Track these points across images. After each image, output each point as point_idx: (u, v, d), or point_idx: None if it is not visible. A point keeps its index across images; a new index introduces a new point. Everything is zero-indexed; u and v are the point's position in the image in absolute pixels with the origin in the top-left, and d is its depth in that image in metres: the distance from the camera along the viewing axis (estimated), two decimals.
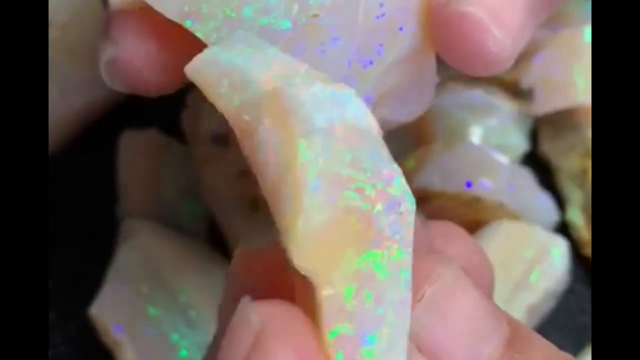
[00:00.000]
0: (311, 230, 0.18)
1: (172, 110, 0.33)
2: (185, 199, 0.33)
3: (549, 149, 0.34)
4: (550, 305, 0.32)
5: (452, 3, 0.22)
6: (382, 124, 0.24)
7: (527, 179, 0.33)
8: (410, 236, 0.19)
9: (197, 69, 0.21)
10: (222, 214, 0.32)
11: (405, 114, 0.24)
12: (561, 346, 0.32)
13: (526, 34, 0.23)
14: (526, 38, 0.23)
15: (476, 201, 0.32)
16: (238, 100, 0.20)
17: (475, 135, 0.33)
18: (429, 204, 0.32)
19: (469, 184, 0.32)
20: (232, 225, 0.32)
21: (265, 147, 0.19)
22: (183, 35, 0.22)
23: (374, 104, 0.23)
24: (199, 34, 0.21)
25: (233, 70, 0.20)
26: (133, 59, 0.22)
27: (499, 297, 0.30)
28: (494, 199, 0.32)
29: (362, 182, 0.19)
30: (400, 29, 0.23)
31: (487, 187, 0.32)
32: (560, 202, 0.34)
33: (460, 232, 0.25)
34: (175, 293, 0.30)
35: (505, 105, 0.34)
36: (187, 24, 0.21)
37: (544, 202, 0.33)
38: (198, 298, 0.30)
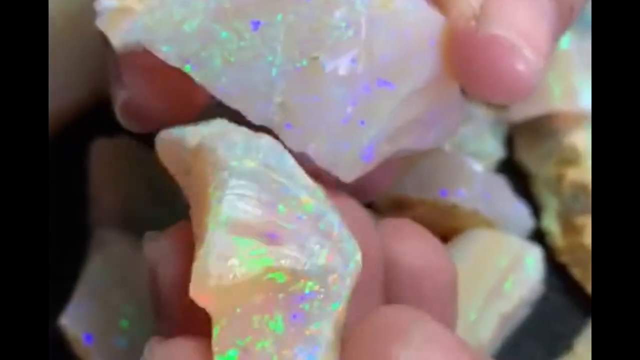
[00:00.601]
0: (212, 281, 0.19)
1: None
2: (158, 207, 0.33)
3: (525, 156, 0.34)
4: (524, 312, 0.32)
5: (480, 28, 0.22)
6: (405, 152, 0.24)
7: (502, 187, 0.33)
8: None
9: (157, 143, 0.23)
10: None
11: (430, 141, 0.24)
12: (535, 354, 0.32)
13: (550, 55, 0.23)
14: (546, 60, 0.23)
15: (452, 209, 0.32)
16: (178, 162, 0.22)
17: (451, 142, 0.33)
18: (405, 212, 0.32)
19: (443, 192, 0.32)
20: None
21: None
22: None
23: (393, 136, 0.23)
24: (198, 79, 0.22)
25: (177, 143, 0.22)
26: (144, 101, 0.23)
27: (473, 306, 0.30)
28: (469, 207, 0.32)
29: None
30: (415, 60, 0.22)
31: (462, 195, 0.32)
32: (536, 208, 0.34)
33: (415, 229, 0.24)
34: (147, 304, 0.30)
35: (480, 112, 0.34)
36: (187, 69, 0.22)
37: (519, 210, 0.33)
38: None
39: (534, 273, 0.31)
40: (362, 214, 0.23)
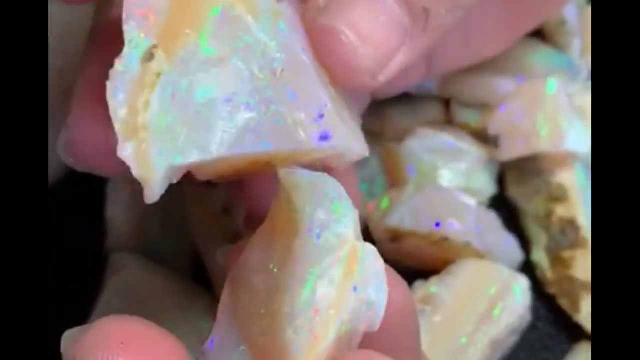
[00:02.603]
0: None
1: None
2: (170, 235, 0.34)
3: (515, 192, 0.35)
4: (513, 340, 0.33)
5: (316, 18, 0.23)
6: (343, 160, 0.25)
7: (492, 221, 0.34)
8: None
9: (295, 181, 0.22)
10: (206, 248, 0.33)
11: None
12: None
13: (401, 56, 0.23)
14: (401, 59, 0.24)
15: (444, 241, 0.33)
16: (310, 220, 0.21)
17: (445, 178, 0.34)
18: (400, 243, 0.33)
19: (437, 224, 0.33)
20: (215, 258, 0.33)
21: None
22: None
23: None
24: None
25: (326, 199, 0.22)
26: (86, 143, 0.23)
27: (464, 330, 0.32)
28: (461, 239, 0.33)
29: None
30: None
31: (454, 227, 0.33)
32: (526, 242, 0.35)
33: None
34: (160, 326, 0.31)
35: (474, 150, 0.35)
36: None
37: (509, 243, 0.34)
38: (182, 332, 0.31)
39: (522, 300, 0.32)
40: None
